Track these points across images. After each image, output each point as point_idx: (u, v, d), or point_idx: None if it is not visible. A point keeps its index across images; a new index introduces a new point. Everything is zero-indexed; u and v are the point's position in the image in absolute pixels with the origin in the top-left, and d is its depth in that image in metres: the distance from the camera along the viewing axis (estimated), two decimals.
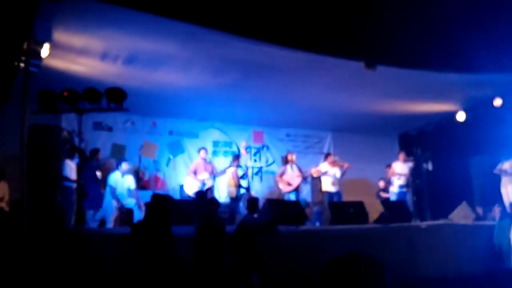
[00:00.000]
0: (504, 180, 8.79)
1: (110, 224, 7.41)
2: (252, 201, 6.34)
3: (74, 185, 6.58)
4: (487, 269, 6.77)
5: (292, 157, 9.34)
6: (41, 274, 4.74)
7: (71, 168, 6.93)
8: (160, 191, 9.12)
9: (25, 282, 4.57)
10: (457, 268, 6.87)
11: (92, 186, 7.63)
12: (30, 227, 4.97)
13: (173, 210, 5.04)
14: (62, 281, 4.73)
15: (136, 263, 4.99)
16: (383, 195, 9.69)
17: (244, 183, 8.96)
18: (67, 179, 7.03)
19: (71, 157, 7.20)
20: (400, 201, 8.73)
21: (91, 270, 4.89)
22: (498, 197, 8.64)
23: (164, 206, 5.28)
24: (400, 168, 9.39)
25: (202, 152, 8.86)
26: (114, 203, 7.43)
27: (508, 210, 7.61)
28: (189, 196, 8.51)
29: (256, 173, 10.72)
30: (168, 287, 4.73)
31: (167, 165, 9.86)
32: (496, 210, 8.26)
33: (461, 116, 9.52)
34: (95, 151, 8.08)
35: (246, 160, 9.36)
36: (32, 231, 5.01)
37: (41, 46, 5.60)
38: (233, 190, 8.83)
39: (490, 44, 6.16)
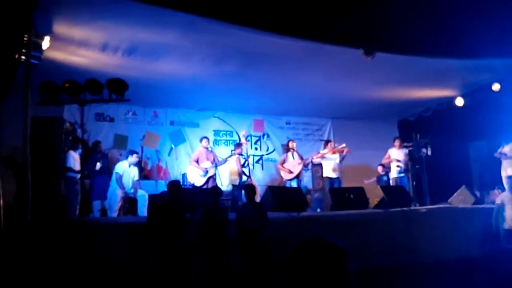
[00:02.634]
0: (504, 163, 8.87)
1: (114, 214, 7.50)
2: (249, 189, 6.24)
3: (78, 176, 6.66)
4: (485, 250, 6.89)
5: (292, 144, 9.41)
6: (46, 263, 4.85)
7: (74, 159, 7.01)
8: (162, 181, 9.22)
9: (31, 270, 4.68)
10: (456, 250, 6.99)
11: (97, 177, 7.73)
12: (35, 218, 5.07)
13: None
14: (66, 269, 4.83)
15: (141, 252, 5.12)
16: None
17: (245, 171, 9.06)
18: (71, 170, 7.12)
19: (74, 148, 7.29)
20: (400, 186, 8.82)
21: (94, 258, 5.00)
22: (496, 181, 8.74)
23: (179, 194, 5.42)
24: (396, 154, 9.47)
25: (204, 141, 8.92)
26: (119, 192, 7.52)
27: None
28: (191, 185, 8.60)
29: (257, 161, 10.81)
30: (176, 273, 4.84)
31: (169, 154, 9.94)
32: (496, 193, 8.37)
33: (459, 102, 9.57)
34: (96, 143, 8.17)
35: (246, 148, 9.45)
36: (37, 222, 5.10)
37: (42, 38, 5.64)
38: (235, 178, 8.93)
39: (489, 29, 6.18)
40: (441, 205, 8.29)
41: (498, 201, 7.71)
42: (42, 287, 4.60)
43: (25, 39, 5.21)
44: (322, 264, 1.22)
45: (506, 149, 8.87)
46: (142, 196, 7.64)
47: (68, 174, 6.96)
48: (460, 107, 9.58)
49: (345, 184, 9.26)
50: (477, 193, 8.81)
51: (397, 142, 9.58)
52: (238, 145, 9.17)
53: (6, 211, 4.93)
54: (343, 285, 1.21)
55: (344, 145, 9.20)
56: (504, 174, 8.83)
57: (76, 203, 6.67)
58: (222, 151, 9.94)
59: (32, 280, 4.54)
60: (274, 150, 10.95)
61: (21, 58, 5.33)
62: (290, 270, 1.25)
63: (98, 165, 7.69)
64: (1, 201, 4.40)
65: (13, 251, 4.70)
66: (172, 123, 10.15)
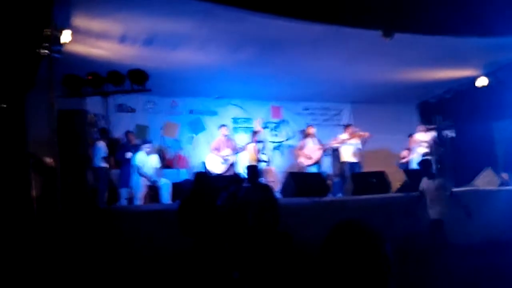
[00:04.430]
0: None
1: (139, 202, 7.65)
2: (252, 169, 5.93)
3: (107, 165, 6.80)
4: None
5: (311, 130, 9.37)
6: (77, 251, 4.98)
7: (103, 150, 7.16)
8: (183, 169, 9.34)
9: (63, 259, 4.82)
10: (483, 234, 6.89)
11: (125, 166, 7.89)
12: (65, 208, 5.20)
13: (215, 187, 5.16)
14: (96, 257, 4.96)
15: (172, 237, 5.18)
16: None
17: (264, 157, 9.08)
18: (101, 160, 7.28)
19: (103, 139, 7.44)
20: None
21: (120, 246, 5.11)
22: None
23: (208, 183, 5.42)
24: (422, 137, 9.35)
25: (223, 129, 8.97)
26: (142, 181, 7.66)
27: None
28: (212, 173, 8.68)
29: (276, 148, 10.81)
30: (210, 260, 4.87)
31: (189, 143, 10.03)
32: None
33: (483, 81, 9.34)
34: (128, 133, 8.38)
35: (264, 135, 9.45)
36: (67, 212, 5.24)
37: (61, 32, 5.71)
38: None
39: (510, 5, 6.01)
40: (465, 188, 8.17)
41: None
42: (75, 275, 4.73)
43: (45, 33, 5.30)
44: (360, 247, 1.22)
45: None
46: (165, 184, 7.77)
47: (97, 164, 7.11)
48: (482, 87, 9.36)
49: (365, 169, 9.20)
50: (504, 175, 8.63)
51: (421, 127, 9.47)
52: (255, 132, 9.20)
53: (36, 202, 5.09)
54: (381, 267, 1.22)
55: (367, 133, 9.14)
56: None
57: (104, 192, 6.82)
58: (242, 138, 9.97)
59: (65, 268, 4.68)
60: (293, 136, 10.93)
61: (42, 52, 5.43)
62: (327, 253, 1.26)
63: (130, 154, 7.85)
64: (34, 192, 4.54)
65: (46, 240, 4.85)
66: (191, 111, 10.22)
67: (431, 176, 6.50)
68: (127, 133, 8.55)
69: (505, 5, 5.86)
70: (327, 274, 1.23)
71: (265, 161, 8.95)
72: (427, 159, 6.84)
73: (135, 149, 8.02)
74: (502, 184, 8.37)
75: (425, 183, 6.48)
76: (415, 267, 4.81)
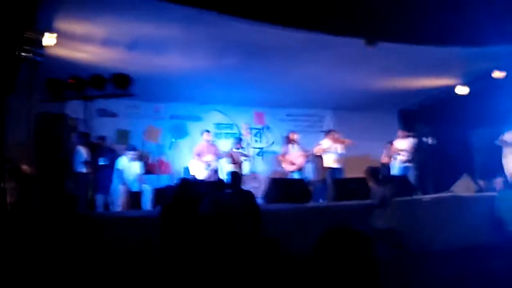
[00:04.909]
0: (506, 151, 8.90)
1: (118, 208, 7.54)
2: (234, 175, 5.74)
3: (87, 171, 6.70)
4: (490, 239, 6.92)
5: (294, 136, 9.42)
6: (54, 259, 4.86)
7: (84, 154, 7.03)
8: (165, 175, 9.25)
9: (39, 267, 4.70)
10: (461, 239, 7.01)
11: (101, 172, 7.76)
12: (42, 215, 5.08)
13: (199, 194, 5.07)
14: (74, 265, 4.85)
15: (153, 244, 5.10)
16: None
17: (247, 163, 9.09)
18: (81, 165, 7.15)
19: (83, 144, 7.32)
20: (403, 176, 8.85)
21: (101, 254, 5.01)
22: (499, 169, 8.76)
23: (191, 190, 5.35)
24: (401, 145, 9.50)
25: (206, 135, 8.94)
26: (122, 188, 7.56)
27: (510, 180, 7.73)
28: (193, 178, 8.63)
29: (258, 154, 10.83)
30: (194, 267, 4.82)
31: (170, 148, 9.96)
32: (498, 181, 8.38)
33: (462, 90, 9.55)
34: (101, 138, 8.20)
35: (247, 141, 9.48)
36: (44, 218, 5.12)
37: (43, 35, 5.62)
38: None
39: (491, 16, 6.16)
40: (444, 194, 8.31)
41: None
42: (52, 283, 4.62)
43: (27, 35, 5.20)
44: (350, 251, 1.23)
45: (507, 136, 8.89)
46: (146, 190, 7.68)
47: (78, 169, 6.99)
48: (462, 95, 9.58)
49: (347, 175, 9.28)
50: (481, 182, 8.82)
51: (400, 133, 9.62)
52: (238, 139, 9.21)
53: (11, 209, 4.95)
54: (369, 271, 1.23)
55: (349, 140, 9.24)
56: (505, 161, 8.86)
57: (84, 198, 6.70)
58: (224, 144, 9.96)
59: (40, 277, 4.57)
60: (275, 142, 10.97)
61: (23, 56, 5.32)
62: (318, 258, 1.26)
63: (101, 160, 7.73)
64: (8, 199, 4.42)
65: (20, 248, 4.72)
66: (173, 117, 10.16)
67: (380, 184, 6.37)
68: (100, 137, 8.41)
69: (485, 16, 6.01)
70: (319, 279, 1.24)
71: (248, 167, 8.94)
72: (372, 167, 6.74)
73: (109, 153, 7.92)
74: (479, 190, 8.54)
75: (379, 191, 6.32)
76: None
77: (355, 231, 1.29)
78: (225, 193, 5.78)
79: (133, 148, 7.89)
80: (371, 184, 6.48)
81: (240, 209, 5.32)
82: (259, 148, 10.85)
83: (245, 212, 5.28)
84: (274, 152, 10.75)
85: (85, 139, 7.41)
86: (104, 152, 7.99)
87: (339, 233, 1.29)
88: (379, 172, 6.76)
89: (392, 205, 6.09)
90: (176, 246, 4.96)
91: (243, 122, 10.13)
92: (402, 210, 7.06)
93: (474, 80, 9.35)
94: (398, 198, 7.24)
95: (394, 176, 8.86)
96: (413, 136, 9.48)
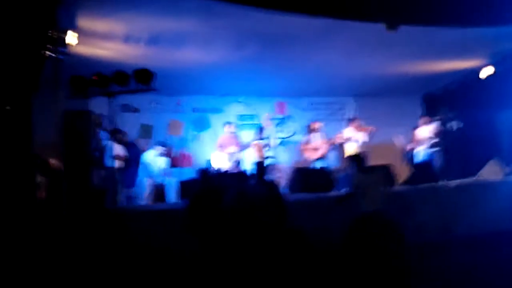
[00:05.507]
0: None
1: (144, 201, 7.68)
2: (259, 166, 5.85)
3: (118, 166, 6.83)
4: None
5: (317, 125, 9.37)
6: (83, 255, 4.98)
7: (115, 150, 7.16)
8: (187, 168, 9.36)
9: (68, 264, 4.82)
10: (488, 225, 6.89)
11: (125, 166, 7.90)
12: (71, 211, 5.22)
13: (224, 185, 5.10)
14: (104, 258, 4.96)
15: (180, 237, 5.17)
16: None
17: (270, 153, 9.10)
18: (113, 160, 7.29)
19: (114, 139, 7.45)
20: (428, 161, 8.71)
21: (127, 247, 5.11)
22: None
23: (214, 181, 5.39)
24: (426, 130, 9.33)
25: (228, 126, 8.98)
26: (147, 181, 7.68)
27: None
28: (217, 171, 8.70)
29: (281, 144, 10.81)
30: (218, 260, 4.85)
31: (192, 141, 10.05)
32: None
33: (488, 71, 9.28)
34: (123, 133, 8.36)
35: (270, 131, 9.49)
36: (72, 214, 5.25)
37: (65, 33, 5.73)
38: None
39: None
40: (471, 179, 8.16)
41: None
42: (81, 277, 4.75)
43: (50, 34, 5.32)
44: (383, 239, 1.24)
45: None
46: (171, 183, 7.78)
47: (107, 164, 7.14)
48: (488, 76, 9.31)
49: (370, 162, 9.17)
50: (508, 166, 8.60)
51: (424, 119, 9.44)
52: (260, 129, 9.22)
53: (42, 204, 5.10)
54: (401, 258, 1.24)
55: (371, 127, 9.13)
56: None
57: (112, 192, 6.83)
58: (247, 135, 9.98)
59: (70, 270, 4.69)
60: (297, 132, 10.93)
61: (47, 54, 5.45)
62: (350, 245, 1.27)
63: (128, 154, 7.87)
64: (39, 194, 4.55)
65: (51, 243, 4.85)
66: (195, 110, 10.23)
67: (364, 171, 6.10)
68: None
69: None
70: (351, 266, 1.25)
71: (271, 157, 8.95)
72: (356, 154, 6.41)
73: (131, 148, 8.03)
74: (508, 174, 8.34)
75: (359, 178, 6.11)
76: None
77: (387, 218, 1.29)
78: (249, 185, 5.82)
79: (163, 144, 8.00)
80: (350, 171, 6.24)
81: (264, 200, 5.35)
82: (281, 138, 10.84)
83: (270, 203, 5.30)
84: (296, 142, 10.73)
85: (115, 134, 7.55)
86: (130, 146, 8.13)
87: (372, 219, 1.29)
88: (362, 159, 6.48)
89: (371, 194, 5.74)
90: (202, 239, 5.00)
91: (265, 112, 10.14)
92: (425, 197, 6.97)
93: (500, 60, 9.07)
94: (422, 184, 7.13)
95: (378, 166, 8.52)
96: (438, 121, 9.29)
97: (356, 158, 6.06)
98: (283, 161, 10.07)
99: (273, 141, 9.78)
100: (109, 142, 7.32)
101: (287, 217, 5.42)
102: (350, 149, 9.21)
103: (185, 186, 7.37)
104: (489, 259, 5.02)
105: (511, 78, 8.87)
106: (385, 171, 7.54)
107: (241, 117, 10.56)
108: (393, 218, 1.29)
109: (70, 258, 4.82)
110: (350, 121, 9.57)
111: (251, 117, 10.61)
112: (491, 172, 8.40)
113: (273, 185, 5.93)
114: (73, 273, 4.70)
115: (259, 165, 6.01)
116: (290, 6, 5.98)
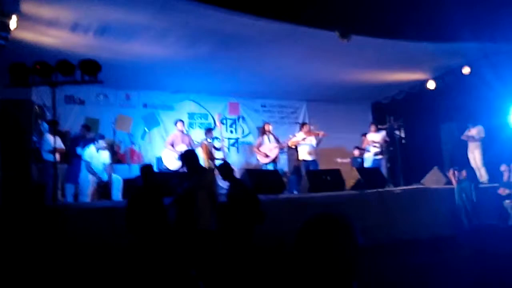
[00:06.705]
0: (471, 145, 9.18)
1: (87, 198, 7.33)
2: (225, 167, 5.75)
3: (55, 160, 6.45)
4: (458, 229, 7.12)
5: (268, 127, 9.38)
6: (17, 249, 4.69)
7: (51, 142, 6.76)
8: (135, 165, 9.05)
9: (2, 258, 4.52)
10: (431, 229, 7.20)
11: (72, 161, 7.52)
12: (6, 203, 4.88)
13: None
14: (39, 256, 4.69)
15: (121, 236, 4.98)
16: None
17: (219, 155, 8.99)
18: (48, 153, 6.89)
19: (51, 132, 7.04)
20: (375, 168, 8.97)
21: (67, 244, 4.87)
22: (466, 162, 9.01)
23: (155, 179, 5.20)
24: (374, 137, 9.63)
25: (179, 124, 8.79)
26: (91, 178, 7.34)
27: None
28: (167, 168, 8.49)
29: (233, 144, 10.76)
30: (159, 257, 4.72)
31: (142, 138, 9.76)
32: (463, 174, 8.61)
33: (431, 85, 9.75)
34: (82, 126, 8.04)
35: (221, 131, 9.40)
36: (8, 207, 4.92)
37: (9, 17, 5.36)
38: (208, 163, 8.84)
39: (461, 13, 6.26)
40: (414, 186, 8.49)
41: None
42: (16, 275, 4.46)
43: None
44: (335, 238, 1.22)
45: (472, 132, 9.16)
46: (116, 180, 7.49)
47: (44, 157, 6.74)
48: (431, 90, 9.77)
49: (320, 166, 9.33)
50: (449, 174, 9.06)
51: (373, 127, 9.75)
52: (209, 130, 9.12)
53: None
54: (353, 257, 1.23)
55: (322, 132, 9.27)
56: (471, 156, 9.14)
57: (51, 188, 6.47)
58: (197, 134, 9.83)
59: (5, 267, 4.40)
60: (249, 133, 10.92)
61: None
62: (302, 246, 1.24)
63: (71, 148, 7.50)
64: None
65: None
66: (145, 105, 9.94)
67: (231, 180, 5.63)
68: (83, 126, 8.24)
69: (454, 12, 6.10)
70: (304, 266, 1.22)
71: (219, 159, 8.85)
72: (223, 163, 6.18)
73: (85, 143, 7.66)
74: (447, 183, 8.77)
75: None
76: None
77: (338, 217, 1.27)
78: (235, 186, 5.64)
79: (101, 137, 7.63)
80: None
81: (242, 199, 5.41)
82: (233, 138, 10.78)
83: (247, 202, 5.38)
84: (248, 143, 10.71)
85: (53, 126, 7.13)
86: (73, 140, 7.74)
87: (324, 219, 1.27)
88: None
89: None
90: (138, 237, 4.85)
91: (217, 112, 10.03)
92: (372, 202, 7.18)
93: (443, 75, 9.54)
94: (370, 189, 7.34)
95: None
96: (385, 129, 9.62)
97: (224, 167, 5.72)
98: (234, 162, 10.00)
99: (224, 142, 9.70)
100: (48, 135, 6.92)
101: (263, 215, 5.34)
102: (302, 152, 9.31)
103: (130, 184, 7.13)
104: (431, 261, 5.23)
105: (452, 92, 9.35)
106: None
107: (193, 115, 10.39)
108: (346, 218, 1.27)
109: (4, 256, 4.53)
110: (302, 125, 9.67)
111: (203, 116, 10.47)
112: (433, 180, 8.80)
113: (244, 184, 5.81)
114: (8, 270, 4.42)
115: (225, 165, 5.86)
116: (246, 8, 5.96)
